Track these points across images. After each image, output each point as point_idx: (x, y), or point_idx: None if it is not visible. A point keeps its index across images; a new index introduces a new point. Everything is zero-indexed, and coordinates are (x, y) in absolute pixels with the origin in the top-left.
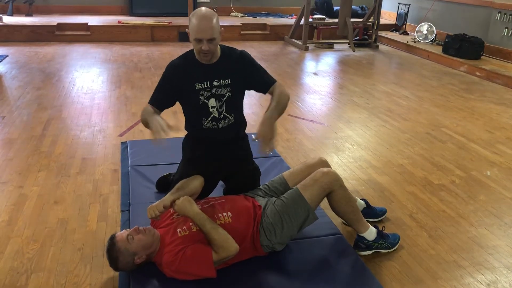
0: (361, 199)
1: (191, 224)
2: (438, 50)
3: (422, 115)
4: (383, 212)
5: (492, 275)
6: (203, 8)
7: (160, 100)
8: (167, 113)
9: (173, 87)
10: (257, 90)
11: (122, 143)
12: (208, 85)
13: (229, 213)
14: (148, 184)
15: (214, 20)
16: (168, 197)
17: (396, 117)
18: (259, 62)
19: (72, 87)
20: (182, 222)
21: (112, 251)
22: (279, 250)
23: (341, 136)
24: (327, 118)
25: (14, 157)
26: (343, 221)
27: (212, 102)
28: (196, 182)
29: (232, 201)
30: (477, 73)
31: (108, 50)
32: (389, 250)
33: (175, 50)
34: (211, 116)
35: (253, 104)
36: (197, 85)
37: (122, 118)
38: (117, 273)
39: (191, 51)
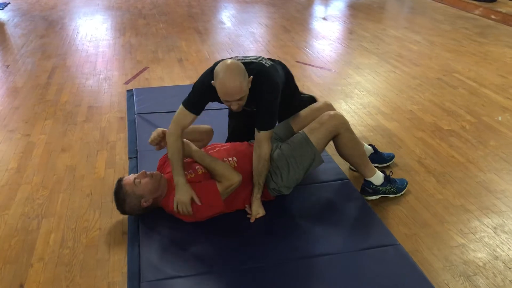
0: (369, 145)
1: (197, 167)
2: None
3: (434, 60)
4: (390, 157)
5: (499, 219)
6: (228, 63)
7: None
8: (173, 62)
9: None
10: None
11: (128, 91)
12: None
13: (234, 158)
14: None
15: (241, 78)
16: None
17: (407, 62)
18: (266, 6)
19: (76, 35)
20: (187, 165)
21: (120, 193)
22: (286, 193)
23: (350, 82)
24: (335, 64)
25: (20, 106)
26: (350, 166)
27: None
28: (201, 129)
29: (237, 147)
30: (493, 16)
31: None
32: (396, 195)
33: None
34: None
35: (259, 51)
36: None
37: (127, 66)
38: (126, 218)
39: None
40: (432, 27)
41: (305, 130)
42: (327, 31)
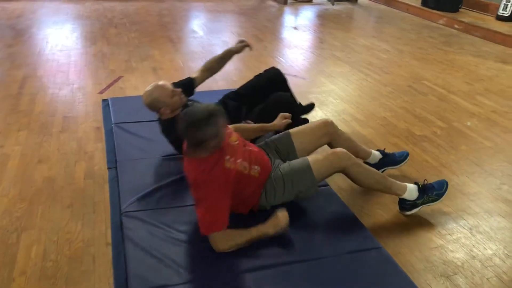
0: (377, 150)
1: (253, 166)
2: (417, 3)
3: (403, 68)
4: (404, 156)
5: (474, 220)
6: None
7: None
8: (147, 71)
9: None
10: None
11: (103, 100)
12: None
13: (258, 167)
14: (133, 140)
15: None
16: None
17: (377, 70)
18: (237, 16)
19: (45, 45)
20: (248, 159)
21: (210, 127)
22: (267, 209)
23: (324, 90)
24: (309, 73)
25: None
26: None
27: None
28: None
29: (259, 155)
30: (456, 26)
31: (80, 5)
32: (438, 201)
33: (151, 5)
34: None
35: (234, 60)
36: None
37: (100, 76)
38: (109, 229)
39: None
40: (400, 36)
41: (310, 158)
42: (298, 40)
